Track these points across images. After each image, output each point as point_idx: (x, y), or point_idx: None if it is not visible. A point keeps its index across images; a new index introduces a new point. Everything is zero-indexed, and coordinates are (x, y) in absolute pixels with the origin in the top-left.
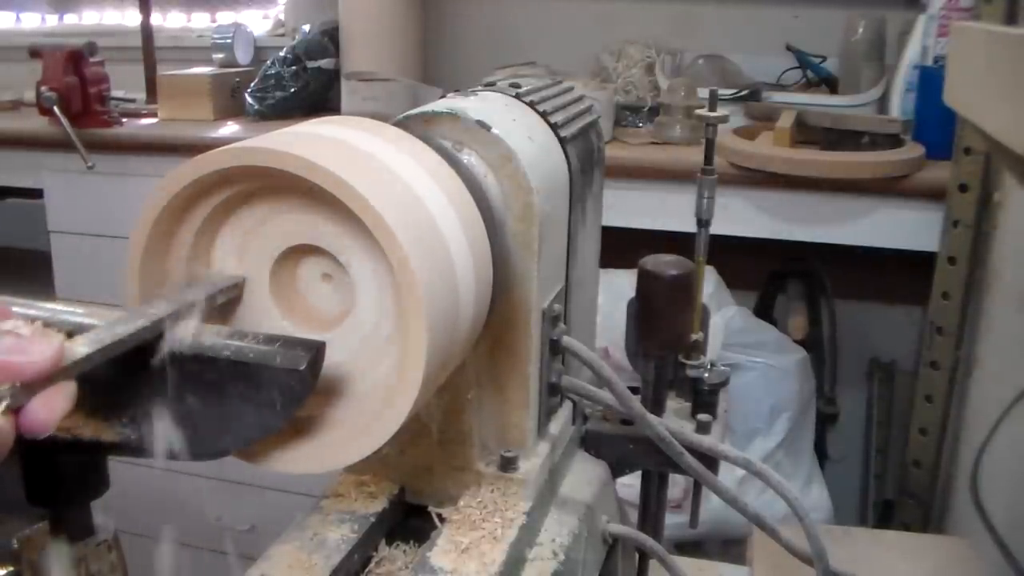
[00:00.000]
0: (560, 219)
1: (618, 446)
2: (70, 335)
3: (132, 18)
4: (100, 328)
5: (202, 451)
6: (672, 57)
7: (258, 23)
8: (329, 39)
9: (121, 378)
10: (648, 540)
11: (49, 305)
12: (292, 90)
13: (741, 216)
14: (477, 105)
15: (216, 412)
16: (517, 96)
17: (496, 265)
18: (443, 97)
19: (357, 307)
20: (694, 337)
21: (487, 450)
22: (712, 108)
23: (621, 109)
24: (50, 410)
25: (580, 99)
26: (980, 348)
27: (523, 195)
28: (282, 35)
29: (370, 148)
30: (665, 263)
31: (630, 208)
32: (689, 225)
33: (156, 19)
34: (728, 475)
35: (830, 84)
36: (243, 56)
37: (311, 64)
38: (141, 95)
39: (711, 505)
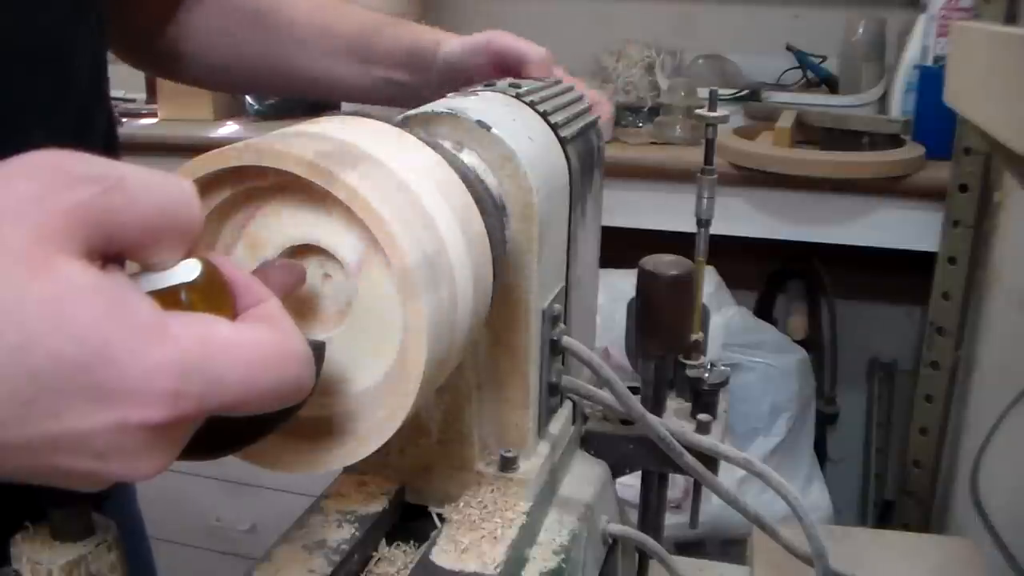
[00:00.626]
0: (560, 219)
1: (618, 446)
2: None
3: None
4: None
5: (202, 451)
6: (672, 57)
7: None
8: None
9: None
10: (648, 540)
11: None
12: None
13: (741, 216)
14: (477, 105)
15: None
16: (517, 96)
17: (496, 265)
18: (443, 97)
19: (357, 307)
20: (694, 337)
21: (487, 450)
22: (712, 108)
23: (621, 109)
24: None
25: (580, 99)
26: (980, 348)
27: (523, 195)
28: None
29: (370, 148)
30: (665, 263)
31: (630, 208)
32: (689, 225)
33: None
34: (728, 475)
35: (830, 84)
36: None
37: None
38: (141, 95)
39: (711, 505)
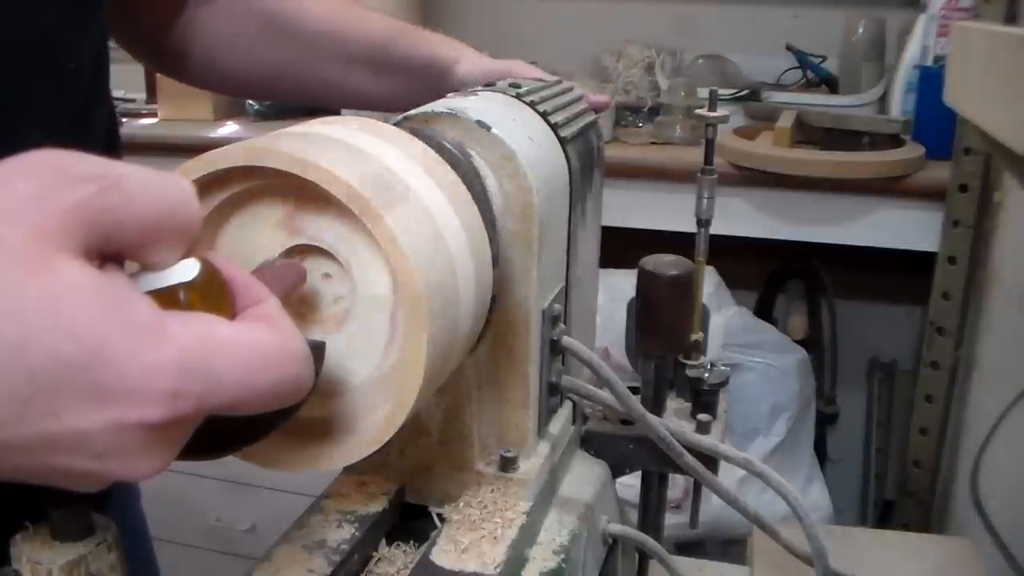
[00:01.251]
0: (560, 219)
1: (618, 446)
2: None
3: None
4: None
5: (201, 451)
6: (672, 57)
7: None
8: None
9: None
10: (648, 540)
11: None
12: None
13: (741, 216)
14: (477, 105)
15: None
16: (517, 96)
17: (496, 265)
18: (443, 97)
19: (357, 307)
20: (694, 337)
21: (487, 450)
22: (712, 108)
23: (621, 109)
24: None
25: (580, 99)
26: (980, 348)
27: (523, 195)
28: None
29: (370, 148)
30: (665, 263)
31: (630, 208)
32: (689, 225)
33: None
34: (728, 475)
35: (830, 84)
36: None
37: None
38: (141, 95)
39: (711, 505)
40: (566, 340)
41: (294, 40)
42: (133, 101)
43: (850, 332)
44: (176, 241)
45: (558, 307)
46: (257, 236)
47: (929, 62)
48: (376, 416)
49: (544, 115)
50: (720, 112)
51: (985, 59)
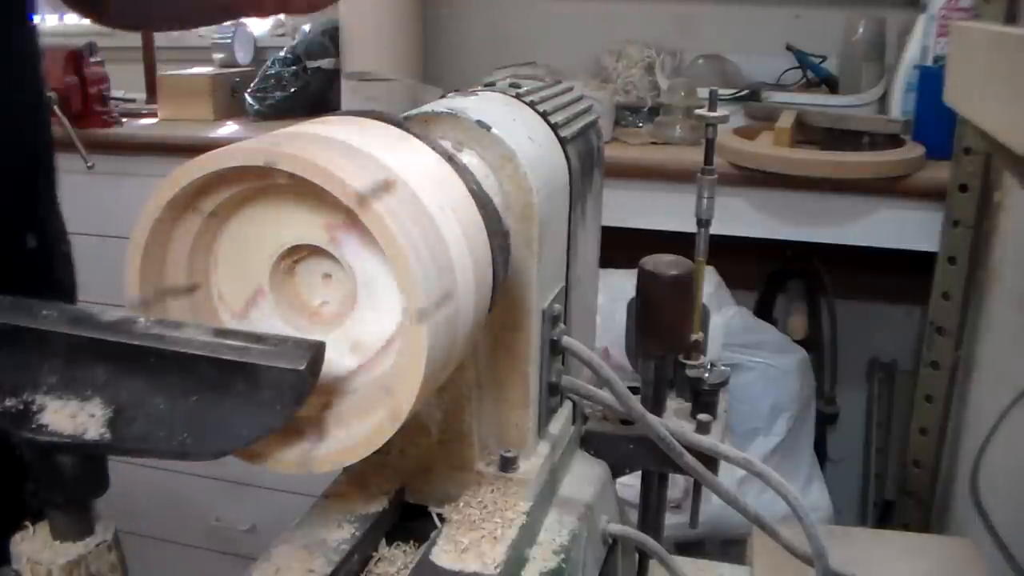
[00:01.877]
0: (560, 219)
1: (618, 446)
2: None
3: None
4: None
5: (202, 451)
6: (672, 57)
7: (258, 23)
8: (329, 39)
9: (124, 380)
10: (648, 540)
11: None
12: (292, 90)
13: (741, 216)
14: (477, 105)
15: (216, 412)
16: (517, 96)
17: (495, 266)
18: (443, 97)
19: (357, 307)
20: (694, 337)
21: (487, 450)
22: (712, 108)
23: (621, 109)
24: None
25: (580, 99)
26: (980, 348)
27: (523, 195)
28: (282, 35)
29: (370, 149)
30: (665, 263)
31: (630, 208)
32: (689, 225)
33: None
34: (728, 475)
35: (830, 84)
36: (243, 56)
37: (311, 64)
38: (141, 95)
39: (711, 505)
40: (566, 340)
41: None
42: (133, 101)
43: (850, 332)
44: None
45: (558, 307)
46: (257, 235)
47: (929, 62)
48: (376, 416)
49: (544, 115)
50: (720, 112)
51: (985, 59)
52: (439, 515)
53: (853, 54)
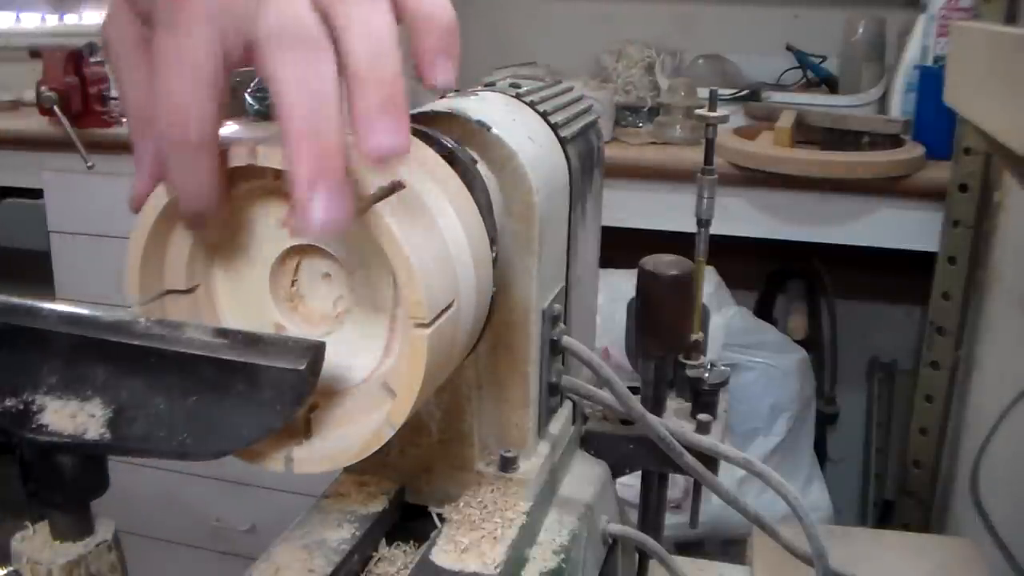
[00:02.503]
0: (560, 219)
1: (618, 446)
2: None
3: None
4: None
5: (202, 451)
6: (672, 57)
7: None
8: None
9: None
10: (648, 540)
11: None
12: None
13: (741, 216)
14: (477, 105)
15: (216, 412)
16: (517, 96)
17: (496, 265)
18: (443, 97)
19: (357, 307)
20: (694, 337)
21: (487, 450)
22: (712, 108)
23: (621, 109)
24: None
25: (580, 99)
26: (980, 348)
27: (523, 195)
28: None
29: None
30: (665, 263)
31: (630, 208)
32: (689, 225)
33: None
34: (728, 475)
35: (830, 84)
36: None
37: None
38: None
39: (711, 505)
40: (566, 340)
41: None
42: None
43: (850, 332)
44: None
45: (558, 307)
46: (258, 235)
47: (929, 62)
48: (376, 416)
49: (544, 115)
50: (720, 112)
51: (985, 59)
52: (439, 515)
53: (853, 54)
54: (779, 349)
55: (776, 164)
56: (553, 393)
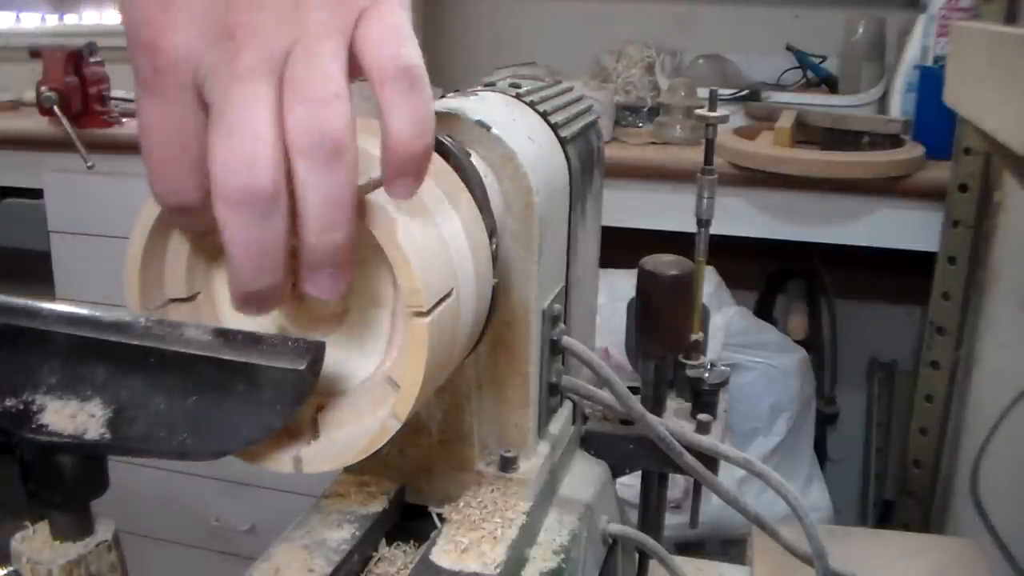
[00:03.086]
0: (560, 219)
1: (618, 446)
2: None
3: None
4: None
5: (202, 451)
6: (672, 57)
7: None
8: None
9: (125, 380)
10: (648, 540)
11: None
12: None
13: (741, 216)
14: (477, 105)
15: (216, 412)
16: (517, 96)
17: (496, 265)
18: (443, 97)
19: (357, 306)
20: (694, 337)
21: (487, 450)
22: (712, 108)
23: (621, 109)
24: None
25: (580, 99)
26: (980, 348)
27: (523, 195)
28: None
29: (369, 147)
30: (665, 263)
31: (630, 208)
32: (689, 225)
33: None
34: (728, 475)
35: (830, 84)
36: None
37: None
38: None
39: (711, 505)
40: (566, 340)
41: None
42: (133, 101)
43: (850, 332)
44: None
45: (558, 307)
46: None
47: (929, 62)
48: (376, 416)
49: (544, 115)
50: (720, 112)
51: (985, 59)
52: (439, 515)
53: (853, 54)
54: (779, 349)
55: (776, 164)
56: (553, 393)
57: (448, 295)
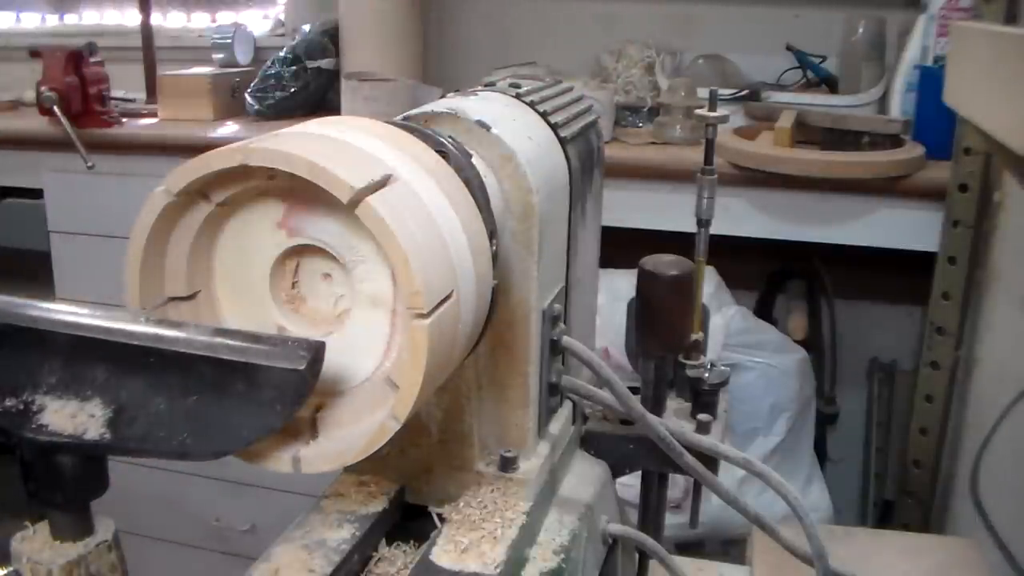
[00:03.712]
0: (560, 219)
1: (618, 446)
2: None
3: (132, 18)
4: None
5: (202, 451)
6: (672, 57)
7: (258, 23)
8: (329, 39)
9: (124, 380)
10: (648, 540)
11: None
12: (292, 90)
13: (741, 216)
14: (477, 105)
15: (216, 412)
16: (517, 96)
17: (496, 265)
18: (443, 97)
19: (357, 306)
20: (694, 337)
21: (487, 450)
22: (712, 108)
23: (621, 109)
24: None
25: (580, 99)
26: (980, 348)
27: (523, 195)
28: (282, 35)
29: (368, 147)
30: (665, 263)
31: (630, 208)
32: (689, 225)
33: (156, 19)
34: (728, 475)
35: (830, 84)
36: (243, 56)
37: (311, 64)
38: (141, 95)
39: (711, 505)
40: (566, 340)
41: None
42: (133, 101)
43: (850, 332)
44: None
45: (558, 307)
46: (256, 237)
47: (929, 62)
48: (378, 415)
49: (544, 115)
50: (720, 112)
51: (985, 59)
52: (439, 515)
53: (853, 54)
54: (779, 349)
55: (776, 164)
56: (553, 393)
57: (448, 296)
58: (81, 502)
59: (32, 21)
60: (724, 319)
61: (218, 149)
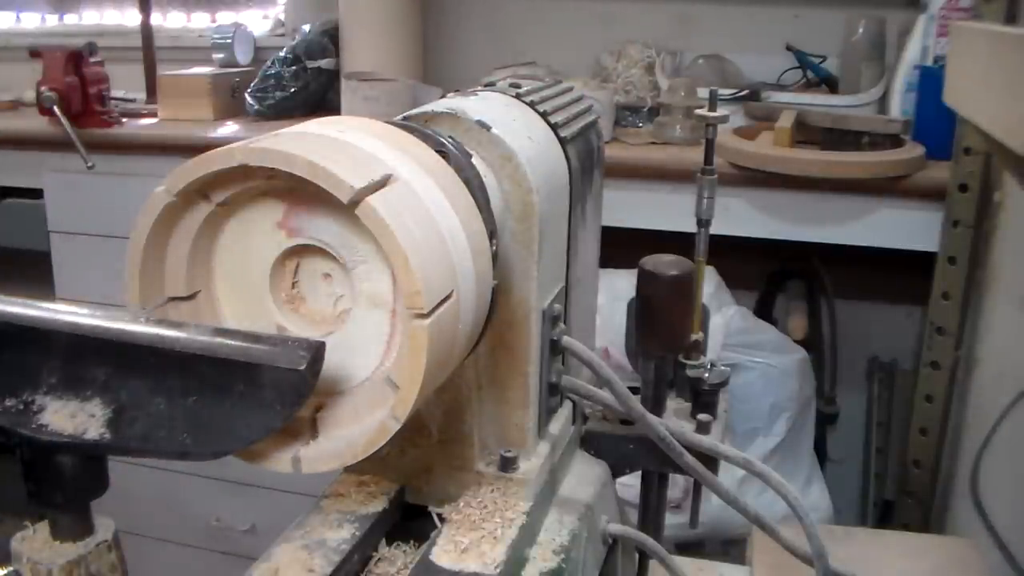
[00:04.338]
0: (560, 219)
1: (618, 446)
2: None
3: (132, 18)
4: None
5: (202, 451)
6: (672, 57)
7: (258, 23)
8: (329, 39)
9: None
10: (648, 540)
11: None
12: (292, 90)
13: (741, 216)
14: (477, 105)
15: (216, 412)
16: (517, 96)
17: (496, 265)
18: (443, 97)
19: (357, 306)
20: (694, 337)
21: (487, 450)
22: (712, 108)
23: (621, 109)
24: None
25: (580, 99)
26: (980, 348)
27: (523, 195)
28: (282, 35)
29: (367, 147)
30: (665, 263)
31: (630, 208)
32: (689, 225)
33: (156, 19)
34: (728, 475)
35: (830, 84)
36: (243, 56)
37: (311, 64)
38: (141, 95)
39: (711, 505)
40: (566, 340)
41: None
42: (133, 101)
43: (850, 332)
44: None
45: (558, 307)
46: (256, 237)
47: (929, 62)
48: (378, 415)
49: (544, 115)
50: (720, 112)
51: (985, 59)
52: (439, 515)
53: (853, 54)
54: (779, 349)
55: (776, 164)
56: (553, 393)
57: (448, 296)
58: (81, 502)
59: (32, 21)
60: (724, 319)
61: (218, 149)
